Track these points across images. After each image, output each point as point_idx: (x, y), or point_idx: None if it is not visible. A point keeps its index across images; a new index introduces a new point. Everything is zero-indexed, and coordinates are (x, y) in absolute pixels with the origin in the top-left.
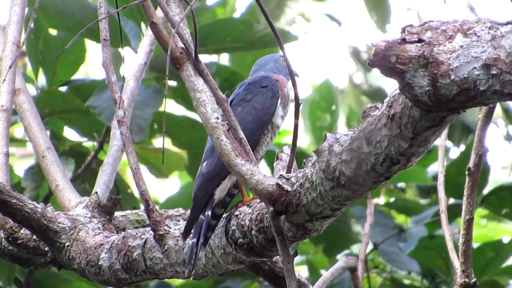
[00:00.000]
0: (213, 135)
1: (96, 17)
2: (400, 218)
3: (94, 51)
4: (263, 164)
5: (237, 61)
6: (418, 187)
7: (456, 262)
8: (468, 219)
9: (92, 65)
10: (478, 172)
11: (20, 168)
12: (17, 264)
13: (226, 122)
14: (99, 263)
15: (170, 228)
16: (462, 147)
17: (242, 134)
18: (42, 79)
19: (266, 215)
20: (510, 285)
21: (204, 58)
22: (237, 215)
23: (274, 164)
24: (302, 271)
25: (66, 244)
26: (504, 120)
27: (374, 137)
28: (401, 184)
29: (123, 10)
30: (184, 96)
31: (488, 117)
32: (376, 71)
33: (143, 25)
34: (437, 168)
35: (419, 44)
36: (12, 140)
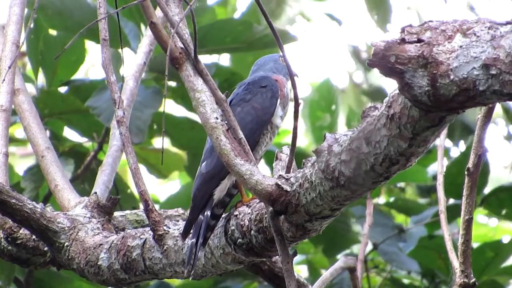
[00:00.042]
0: (212, 135)
1: (95, 17)
2: (400, 218)
3: (95, 54)
4: (262, 164)
5: (238, 62)
6: (418, 187)
7: (455, 262)
8: (467, 219)
9: (94, 68)
10: (477, 172)
11: (21, 167)
12: (16, 264)
13: (226, 122)
14: (98, 263)
15: (169, 228)
16: (463, 147)
17: (241, 134)
18: (42, 79)
19: (266, 215)
20: (511, 285)
21: (204, 59)
22: (236, 215)
23: (273, 164)
24: (302, 271)
25: (65, 244)
26: (505, 120)
27: (374, 137)
28: (401, 184)
29: (122, 10)
30: (183, 96)
31: (487, 117)
32: (376, 71)
33: (142, 26)
34: (437, 168)
35: (418, 44)
36: (13, 140)
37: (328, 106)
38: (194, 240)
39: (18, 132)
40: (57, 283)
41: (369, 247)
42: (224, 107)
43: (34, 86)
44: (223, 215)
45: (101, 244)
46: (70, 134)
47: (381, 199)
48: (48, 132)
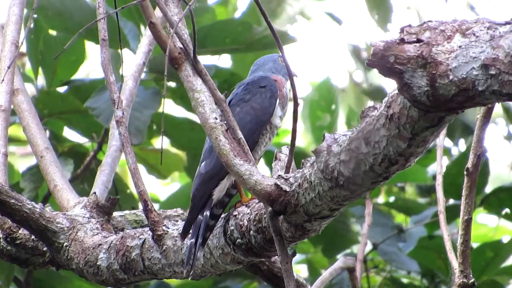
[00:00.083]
0: (211, 135)
1: (95, 18)
2: (399, 217)
3: (96, 56)
4: (262, 164)
5: (239, 62)
6: (418, 186)
7: (455, 263)
8: (466, 219)
9: (95, 72)
10: (477, 173)
11: (22, 167)
12: (15, 264)
13: (225, 122)
14: (98, 263)
15: (169, 228)
16: (463, 147)
17: (240, 134)
18: (41, 79)
19: (265, 216)
20: (511, 285)
21: (204, 60)
22: (235, 215)
23: (272, 164)
24: (302, 270)
25: (64, 244)
26: (505, 120)
27: (373, 137)
28: (401, 183)
29: (122, 10)
30: (183, 97)
31: (486, 117)
32: (376, 70)
33: (142, 26)
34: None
35: (417, 44)
36: (15, 140)
37: (328, 106)
38: (193, 240)
39: (18, 131)
40: (57, 282)
41: (369, 247)
42: (223, 107)
43: (34, 85)
44: (222, 215)
45: (100, 244)
46: (70, 134)
47: (381, 199)
48: (48, 132)
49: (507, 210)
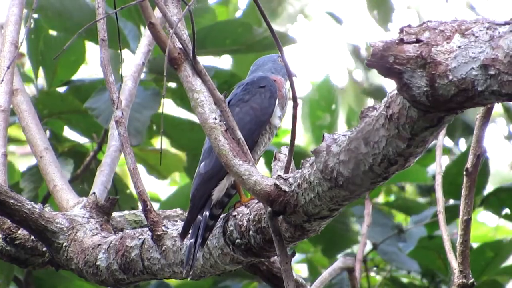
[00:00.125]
0: (211, 136)
1: (94, 18)
2: (400, 217)
3: (96, 57)
4: (261, 164)
5: (239, 63)
6: (418, 186)
7: (454, 263)
8: (465, 219)
9: (96, 76)
10: (476, 173)
11: (22, 166)
12: (15, 264)
13: (224, 122)
14: (97, 263)
15: (168, 228)
16: (464, 147)
17: (240, 135)
18: (41, 79)
19: (264, 216)
20: (511, 285)
21: (205, 60)
22: (235, 216)
23: (272, 165)
24: (302, 270)
25: (64, 245)
26: (505, 119)
27: (372, 137)
28: (400, 183)
29: (122, 11)
30: (183, 97)
31: (486, 118)
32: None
33: (142, 27)
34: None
35: (417, 45)
36: (15, 140)
37: (328, 106)
38: (192, 240)
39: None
40: (57, 282)
41: (369, 246)
42: (223, 107)
43: (34, 85)
44: (222, 216)
45: (99, 245)
46: (70, 134)
47: (381, 198)
48: (48, 132)
49: (507, 210)
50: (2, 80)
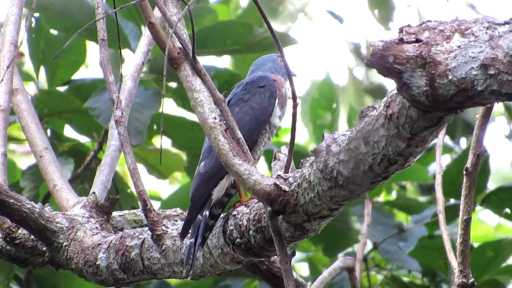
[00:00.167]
0: (210, 135)
1: (95, 17)
2: (400, 216)
3: (96, 58)
4: (261, 164)
5: (240, 63)
6: (419, 185)
7: (454, 262)
8: (465, 219)
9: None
10: (476, 173)
11: (23, 165)
12: (15, 264)
13: (224, 122)
14: (97, 263)
15: (168, 228)
16: (465, 146)
17: (239, 134)
18: (42, 78)
19: (264, 215)
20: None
21: (205, 60)
22: (235, 215)
23: (272, 164)
24: (302, 269)
25: (64, 244)
26: (506, 118)
27: (372, 137)
28: (401, 182)
29: (123, 11)
30: (183, 97)
31: (486, 117)
32: None
33: (143, 27)
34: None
35: (416, 44)
36: (15, 140)
37: (329, 105)
38: (192, 240)
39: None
40: (58, 280)
41: (370, 246)
42: (222, 107)
43: (34, 84)
44: (222, 215)
45: (99, 244)
46: (71, 133)
47: (382, 198)
48: (49, 131)
49: (507, 210)
50: (2, 80)
